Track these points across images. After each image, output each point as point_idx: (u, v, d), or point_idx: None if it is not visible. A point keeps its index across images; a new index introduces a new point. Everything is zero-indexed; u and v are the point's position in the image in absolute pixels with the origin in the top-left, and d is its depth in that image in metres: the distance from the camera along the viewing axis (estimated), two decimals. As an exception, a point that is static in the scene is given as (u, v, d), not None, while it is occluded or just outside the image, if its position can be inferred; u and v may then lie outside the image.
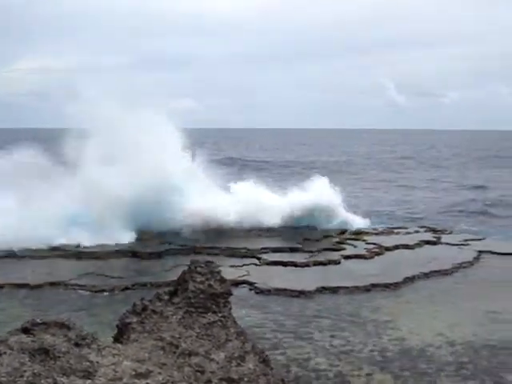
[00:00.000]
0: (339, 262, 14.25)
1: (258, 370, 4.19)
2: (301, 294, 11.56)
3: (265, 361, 4.45)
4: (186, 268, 4.92)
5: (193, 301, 4.57)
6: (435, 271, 13.46)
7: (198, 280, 4.64)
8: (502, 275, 13.52)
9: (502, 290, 12.21)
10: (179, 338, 4.37)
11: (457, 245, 16.47)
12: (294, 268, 13.65)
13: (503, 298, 11.66)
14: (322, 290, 11.83)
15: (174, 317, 4.53)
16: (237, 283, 11.89)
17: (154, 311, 4.61)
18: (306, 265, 13.84)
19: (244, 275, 12.57)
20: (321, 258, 14.51)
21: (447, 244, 16.70)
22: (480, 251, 15.55)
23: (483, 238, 18.03)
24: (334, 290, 11.87)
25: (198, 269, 4.69)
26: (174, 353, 4.27)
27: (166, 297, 4.74)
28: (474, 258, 14.82)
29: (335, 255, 14.76)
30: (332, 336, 9.30)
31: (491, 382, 7.79)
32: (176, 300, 4.63)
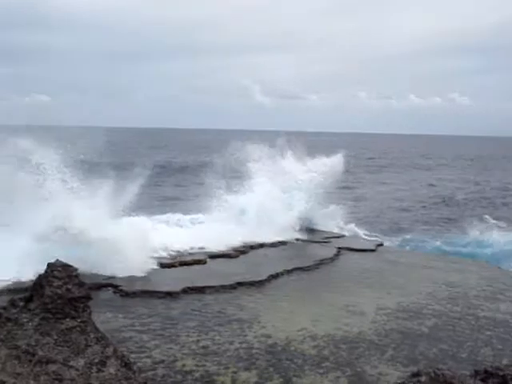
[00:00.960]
0: (205, 262, 14.26)
1: (119, 375, 4.07)
2: (167, 295, 11.41)
3: (127, 364, 4.34)
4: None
5: (50, 306, 4.36)
6: (298, 268, 13.90)
7: (55, 284, 4.43)
8: (358, 270, 14.34)
9: (358, 285, 12.90)
10: (35, 345, 4.15)
11: (319, 242, 17.23)
12: (159, 269, 13.46)
13: (359, 291, 12.31)
14: (189, 290, 11.76)
15: (30, 324, 4.30)
16: (101, 286, 11.57)
17: (8, 318, 4.36)
18: (172, 265, 13.72)
19: (109, 278, 12.21)
20: (187, 258, 14.45)
21: (311, 242, 17.36)
22: (340, 248, 16.37)
23: (342, 236, 18.96)
24: (201, 290, 11.83)
25: (55, 273, 4.48)
26: (30, 361, 4.06)
27: (21, 303, 4.50)
28: (334, 255, 15.52)
29: (201, 255, 14.75)
30: (199, 336, 9.25)
31: (351, 373, 8.10)
32: (32, 306, 4.40)
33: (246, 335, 9.36)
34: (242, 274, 13.12)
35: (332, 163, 19.95)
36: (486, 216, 28.14)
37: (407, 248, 21.52)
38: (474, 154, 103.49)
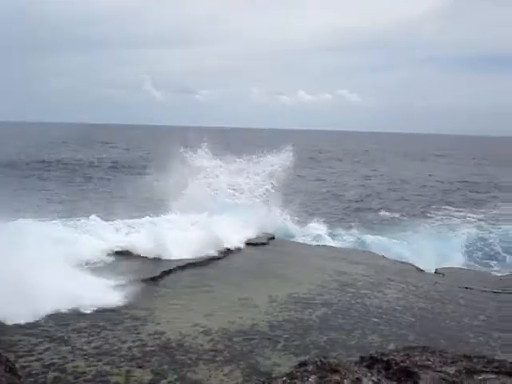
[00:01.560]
0: (105, 260, 13.89)
1: (3, 381, 3.90)
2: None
3: (11, 370, 4.16)
4: None
5: None
6: (191, 264, 13.85)
7: None
8: (251, 263, 14.52)
9: (251, 278, 13.06)
10: None
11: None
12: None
13: (252, 284, 12.46)
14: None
15: None
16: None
17: None
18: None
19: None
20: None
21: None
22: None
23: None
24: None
25: None
26: None
27: None
28: (228, 249, 15.57)
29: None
30: (91, 336, 9.03)
31: (245, 365, 8.18)
32: None
33: (139, 333, 9.23)
34: (136, 271, 12.91)
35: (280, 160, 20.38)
36: (382, 211, 29.33)
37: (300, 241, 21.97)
38: (364, 149, 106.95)
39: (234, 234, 16.24)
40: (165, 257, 14.13)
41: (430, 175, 52.02)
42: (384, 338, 9.53)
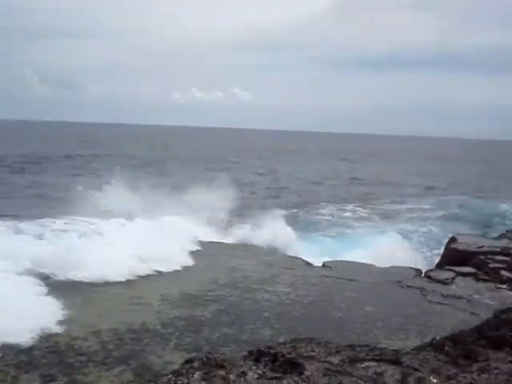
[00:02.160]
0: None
1: None
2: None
3: None
4: None
5: None
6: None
7: None
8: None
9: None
10: None
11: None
12: None
13: (143, 282, 12.38)
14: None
15: None
16: None
17: None
18: None
19: None
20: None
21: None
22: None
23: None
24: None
25: None
26: None
27: None
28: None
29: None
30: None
31: (136, 365, 8.09)
32: None
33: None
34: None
35: None
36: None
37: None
38: (260, 147, 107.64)
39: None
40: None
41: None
42: (275, 331, 9.72)
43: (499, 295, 12.63)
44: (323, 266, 14.87)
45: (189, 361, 2.71)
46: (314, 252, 18.13)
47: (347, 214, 28.65)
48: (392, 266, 14.97)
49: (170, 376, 2.63)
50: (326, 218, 27.52)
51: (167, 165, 52.91)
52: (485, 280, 13.81)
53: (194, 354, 7.87)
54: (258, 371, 2.87)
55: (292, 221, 23.24)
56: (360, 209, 30.53)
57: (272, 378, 2.82)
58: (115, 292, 11.51)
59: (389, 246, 18.24)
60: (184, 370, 2.62)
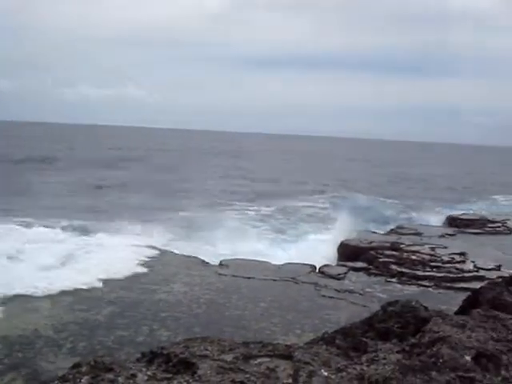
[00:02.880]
0: None
1: None
2: None
3: None
4: None
5: None
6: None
7: None
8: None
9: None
10: None
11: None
12: None
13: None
14: None
15: None
16: None
17: None
18: None
19: None
20: None
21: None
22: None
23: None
24: None
25: None
26: None
27: None
28: None
29: None
30: None
31: (27, 372, 7.83)
32: None
33: None
34: None
35: None
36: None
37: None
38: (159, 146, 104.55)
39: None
40: None
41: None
42: (172, 331, 9.66)
43: (389, 288, 13.17)
44: (220, 264, 14.90)
45: (76, 365, 2.63)
46: (212, 251, 18.10)
47: (247, 212, 28.69)
48: (287, 263, 15.22)
49: (56, 382, 2.54)
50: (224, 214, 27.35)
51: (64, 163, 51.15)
52: (376, 274, 14.33)
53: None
54: (149, 373, 2.83)
55: (192, 222, 23.04)
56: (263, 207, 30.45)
57: (162, 379, 2.79)
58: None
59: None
60: (71, 376, 2.54)
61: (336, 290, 12.74)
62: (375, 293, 12.69)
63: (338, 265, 15.54)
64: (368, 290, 12.90)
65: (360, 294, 12.49)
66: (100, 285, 12.14)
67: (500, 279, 7.86)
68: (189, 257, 15.77)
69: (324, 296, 12.30)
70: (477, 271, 14.27)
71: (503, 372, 3.90)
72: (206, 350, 3.31)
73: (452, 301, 10.76)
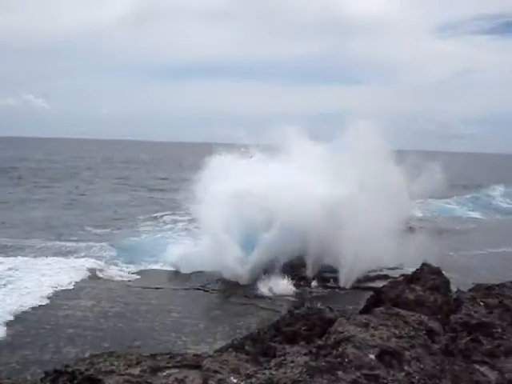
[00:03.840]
0: None
1: None
2: None
3: None
4: None
5: None
6: None
7: None
8: None
9: None
10: None
11: None
12: None
13: None
14: None
15: None
16: None
17: None
18: None
19: None
20: None
21: None
22: None
23: None
24: None
25: None
26: None
27: None
28: None
29: None
30: None
31: None
32: None
33: None
34: None
35: None
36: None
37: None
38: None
39: None
40: None
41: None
42: (79, 347, 9.41)
43: (298, 291, 13.35)
44: (128, 274, 14.65)
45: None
46: (119, 261, 17.65)
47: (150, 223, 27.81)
48: (195, 272, 15.06)
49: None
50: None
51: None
52: (284, 278, 14.48)
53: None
54: (50, 392, 2.75)
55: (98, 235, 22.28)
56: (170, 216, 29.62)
57: (66, 398, 2.71)
58: None
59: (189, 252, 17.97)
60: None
61: (246, 296, 12.81)
62: (285, 297, 12.83)
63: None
64: (277, 294, 13.02)
65: (270, 299, 12.60)
66: (3, 303, 11.64)
67: (402, 277, 8.23)
68: (93, 269, 15.23)
69: (235, 303, 12.33)
70: (380, 270, 14.70)
71: (406, 367, 4.06)
72: (113, 365, 3.24)
73: (358, 300, 11.03)
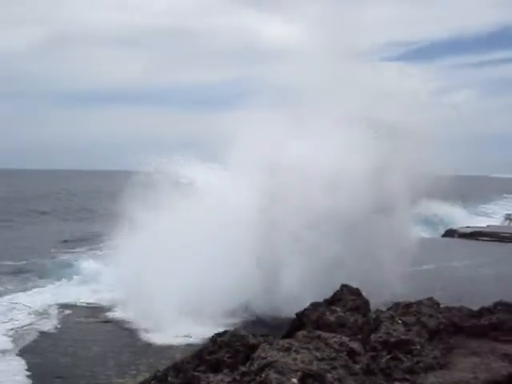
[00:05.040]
0: None
1: None
2: None
3: None
4: None
5: None
6: None
7: None
8: None
9: None
10: None
11: None
12: None
13: None
14: None
15: None
16: None
17: None
18: None
19: None
20: None
21: None
22: None
23: None
24: None
25: None
26: None
27: None
28: None
29: None
30: None
31: None
32: None
33: None
34: None
35: None
36: None
37: None
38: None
39: None
40: None
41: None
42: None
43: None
44: (46, 308, 14.11)
45: None
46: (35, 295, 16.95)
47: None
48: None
49: None
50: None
51: None
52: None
53: None
54: None
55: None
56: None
57: None
58: None
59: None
60: None
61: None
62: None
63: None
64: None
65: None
66: None
67: (322, 300, 8.36)
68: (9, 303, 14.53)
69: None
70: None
71: (329, 390, 4.11)
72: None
73: (283, 325, 11.04)
